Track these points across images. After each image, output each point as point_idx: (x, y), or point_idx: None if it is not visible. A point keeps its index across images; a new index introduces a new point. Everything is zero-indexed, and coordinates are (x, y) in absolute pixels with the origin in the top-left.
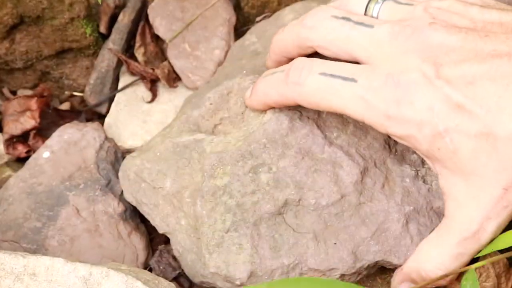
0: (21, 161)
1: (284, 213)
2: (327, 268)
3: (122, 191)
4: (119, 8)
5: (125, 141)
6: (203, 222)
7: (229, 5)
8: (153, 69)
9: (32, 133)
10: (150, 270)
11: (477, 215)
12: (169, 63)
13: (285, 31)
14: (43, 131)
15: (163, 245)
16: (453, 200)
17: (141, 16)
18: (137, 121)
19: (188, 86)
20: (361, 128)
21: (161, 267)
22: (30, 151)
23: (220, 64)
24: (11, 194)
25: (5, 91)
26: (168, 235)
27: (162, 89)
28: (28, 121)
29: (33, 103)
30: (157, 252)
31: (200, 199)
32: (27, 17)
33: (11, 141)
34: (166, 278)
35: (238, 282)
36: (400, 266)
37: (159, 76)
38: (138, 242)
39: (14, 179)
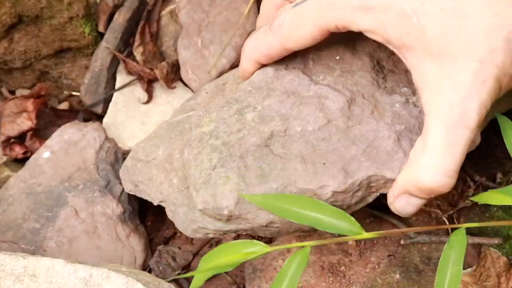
0: (19, 161)
1: (270, 145)
2: (317, 186)
3: (121, 192)
4: (118, 7)
5: (125, 143)
6: (190, 166)
7: (256, 15)
8: (151, 69)
9: (29, 134)
10: (150, 271)
11: (456, 96)
12: (167, 63)
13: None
14: (40, 131)
15: (162, 246)
16: (428, 89)
17: (141, 15)
18: (136, 122)
19: (184, 80)
20: (348, 71)
21: (160, 268)
22: (27, 152)
23: (223, 73)
24: (11, 194)
25: (4, 91)
26: (163, 204)
27: (160, 90)
28: (25, 122)
29: (30, 104)
30: (156, 252)
31: (188, 148)
32: (25, 17)
33: (8, 142)
34: (166, 279)
35: (226, 212)
36: (395, 180)
37: (158, 76)
38: (136, 244)
39: (15, 179)
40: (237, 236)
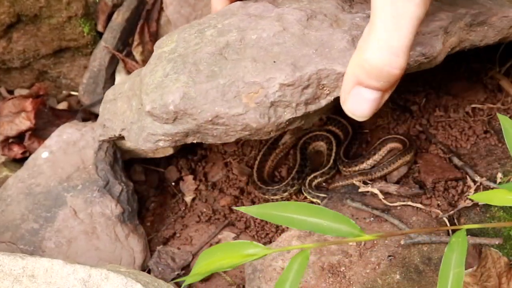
0: (18, 161)
1: (225, 53)
2: (265, 79)
3: (120, 193)
4: (117, 6)
5: (124, 143)
6: (145, 77)
7: None
8: None
9: (27, 134)
10: (149, 271)
11: None
12: None
13: None
14: (39, 131)
15: (161, 246)
16: None
17: (140, 15)
18: None
19: None
20: (316, 1)
21: (159, 268)
22: (26, 152)
23: None
24: (9, 195)
25: (2, 90)
26: (124, 132)
27: None
28: (23, 122)
29: (28, 104)
30: (156, 253)
31: (147, 66)
32: (24, 16)
33: (6, 142)
34: (165, 279)
35: (171, 107)
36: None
37: None
38: (135, 245)
39: (13, 179)
40: (237, 237)
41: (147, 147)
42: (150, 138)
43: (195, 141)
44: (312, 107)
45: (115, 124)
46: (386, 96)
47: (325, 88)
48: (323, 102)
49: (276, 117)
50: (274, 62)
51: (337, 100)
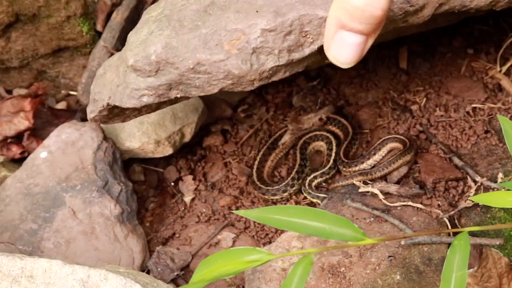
0: (17, 161)
1: (209, 10)
2: (246, 26)
3: (119, 193)
4: (116, 6)
5: (123, 143)
6: (131, 37)
7: None
8: None
9: (26, 134)
10: (148, 271)
11: None
12: None
13: None
14: (38, 131)
15: (160, 246)
16: None
17: (139, 14)
18: (134, 122)
19: None
20: None
21: (158, 269)
22: (25, 152)
23: None
24: (8, 195)
25: (1, 90)
26: (112, 98)
27: None
28: (22, 122)
29: (27, 104)
30: (155, 253)
31: (133, 29)
32: (23, 15)
33: (5, 142)
34: (164, 280)
35: (153, 57)
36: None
37: None
38: (135, 245)
39: (12, 179)
40: (236, 237)
41: (132, 103)
42: (134, 93)
43: (179, 95)
44: (295, 55)
45: (103, 94)
46: (370, 42)
47: (308, 36)
48: (307, 51)
49: (259, 64)
50: (257, 12)
51: (321, 49)
